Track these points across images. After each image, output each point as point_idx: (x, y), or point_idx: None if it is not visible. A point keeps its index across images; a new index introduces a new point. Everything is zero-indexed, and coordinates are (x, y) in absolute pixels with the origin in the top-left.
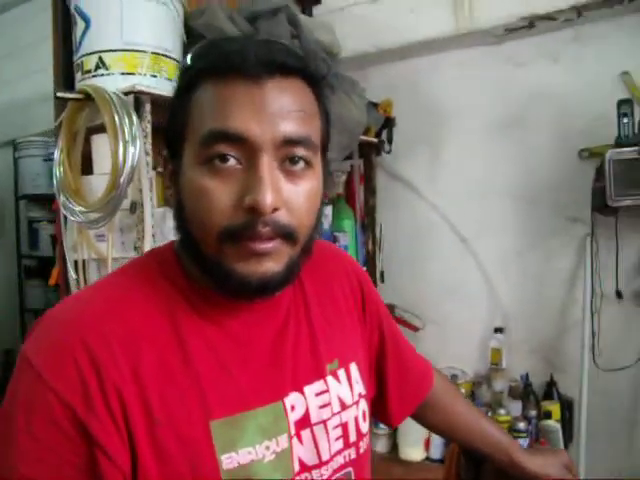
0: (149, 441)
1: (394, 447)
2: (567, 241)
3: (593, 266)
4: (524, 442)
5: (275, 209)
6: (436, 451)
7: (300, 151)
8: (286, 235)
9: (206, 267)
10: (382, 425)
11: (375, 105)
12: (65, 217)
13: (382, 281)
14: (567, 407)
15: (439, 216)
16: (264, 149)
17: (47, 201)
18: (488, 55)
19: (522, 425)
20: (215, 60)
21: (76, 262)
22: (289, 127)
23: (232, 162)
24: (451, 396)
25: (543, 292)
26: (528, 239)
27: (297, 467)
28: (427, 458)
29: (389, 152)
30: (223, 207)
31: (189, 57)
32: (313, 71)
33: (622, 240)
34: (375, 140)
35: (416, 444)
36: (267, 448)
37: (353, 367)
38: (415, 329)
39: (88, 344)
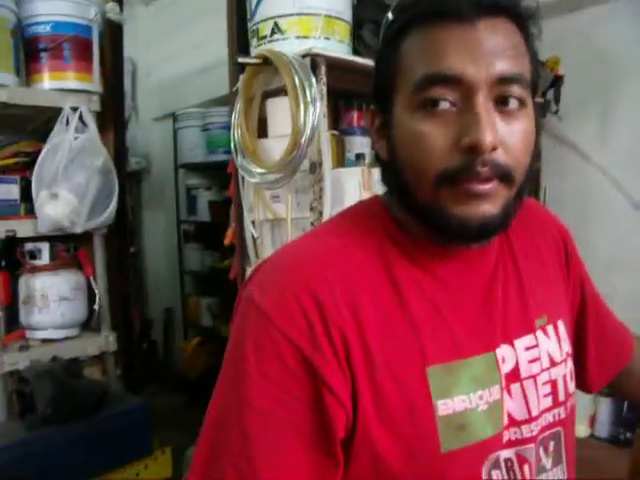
0: (369, 383)
1: None
2: None
3: None
4: None
5: (494, 148)
6: (602, 429)
7: (514, 90)
8: (504, 175)
9: (422, 214)
10: None
11: (542, 63)
12: (243, 178)
13: None
14: None
15: (609, 181)
16: (480, 88)
17: (204, 169)
18: None
19: None
20: (427, 6)
21: (253, 222)
22: (503, 65)
23: (447, 105)
24: None
25: None
26: None
27: (506, 420)
28: (592, 435)
29: (556, 112)
30: (440, 150)
31: (391, 10)
32: (522, 10)
33: None
34: (541, 100)
35: (580, 420)
36: (480, 398)
37: (560, 324)
38: None
39: (312, 288)
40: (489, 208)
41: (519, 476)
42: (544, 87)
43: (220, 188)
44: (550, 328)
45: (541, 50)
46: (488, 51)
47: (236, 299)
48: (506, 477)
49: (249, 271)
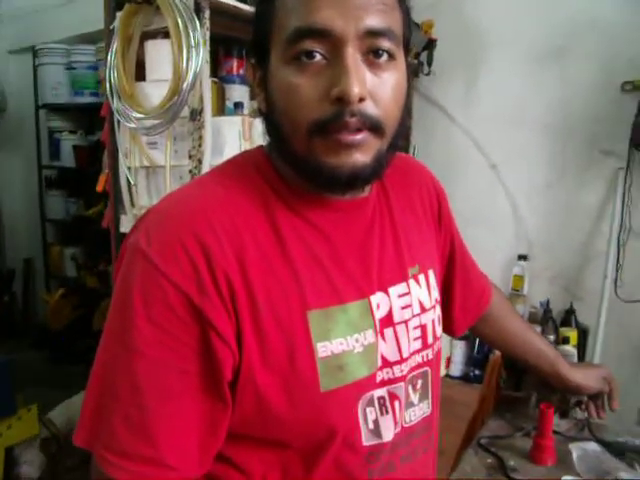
0: (252, 325)
1: None
2: (598, 174)
3: (624, 199)
4: None
5: (361, 99)
6: (456, 368)
7: (384, 43)
8: (373, 126)
9: (297, 164)
10: None
11: (417, 25)
12: (118, 123)
13: None
14: (583, 335)
15: (471, 141)
16: (348, 41)
17: (68, 111)
18: None
19: None
20: None
21: (129, 169)
22: (372, 20)
23: (318, 57)
24: (506, 310)
25: (570, 223)
26: (559, 170)
27: (380, 362)
28: (447, 375)
29: (428, 74)
30: (311, 101)
31: None
32: None
33: None
34: (415, 61)
35: None
36: (357, 341)
37: (431, 273)
38: None
39: (198, 235)
40: (360, 158)
41: (390, 411)
42: (418, 48)
43: (86, 132)
44: (421, 277)
45: (417, 12)
46: (357, 5)
47: (120, 248)
48: (379, 413)
49: (123, 219)
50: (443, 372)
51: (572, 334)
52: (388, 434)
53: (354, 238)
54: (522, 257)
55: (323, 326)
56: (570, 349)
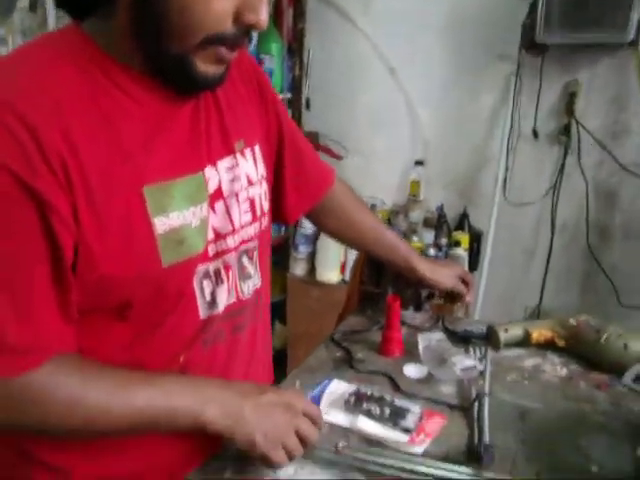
0: (88, 205)
1: (312, 270)
2: (493, 79)
3: (514, 104)
4: None
5: None
6: (348, 273)
7: None
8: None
9: (164, 60)
10: (301, 249)
11: None
12: None
13: (307, 108)
14: (476, 239)
15: (370, 45)
16: None
17: None
18: None
19: (433, 251)
20: None
21: None
22: None
23: None
24: (353, 203)
25: (464, 128)
26: (455, 74)
27: (212, 235)
28: (343, 280)
29: None
30: (220, 15)
31: None
32: None
33: (545, 81)
34: None
35: (333, 267)
36: (193, 214)
37: (257, 149)
38: (339, 158)
39: (22, 116)
40: (224, 69)
41: (225, 281)
42: None
43: None
44: (247, 151)
45: None
46: None
47: None
48: (215, 284)
49: None
50: (339, 278)
51: (464, 238)
52: (222, 304)
53: (182, 115)
54: (419, 162)
55: (159, 201)
56: (461, 252)
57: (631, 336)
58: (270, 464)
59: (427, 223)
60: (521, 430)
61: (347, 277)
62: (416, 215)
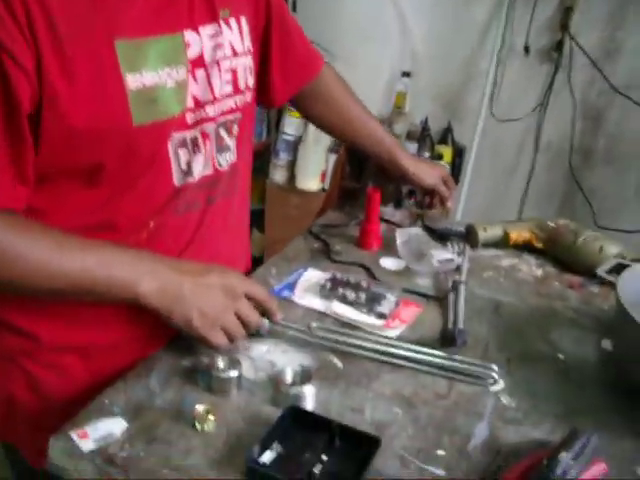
0: (56, 56)
1: (292, 178)
2: None
3: (508, 18)
4: None
5: None
6: (328, 181)
7: None
8: None
9: None
10: (281, 155)
11: None
12: None
13: (294, 10)
14: (459, 153)
15: None
16: None
17: None
18: None
19: None
20: None
21: None
22: None
23: None
24: (341, 90)
25: (455, 40)
26: None
27: (191, 103)
28: (323, 189)
29: None
30: None
31: None
32: None
33: None
34: None
35: (313, 175)
36: (169, 75)
37: (243, 21)
38: None
39: None
40: None
41: (202, 150)
42: None
43: None
44: (233, 21)
45: None
46: None
47: None
48: (191, 152)
49: None
50: (320, 186)
51: (447, 151)
52: (197, 173)
53: None
54: (406, 74)
55: (132, 57)
56: (444, 165)
57: (607, 240)
58: (209, 345)
59: (410, 136)
60: (494, 321)
61: (327, 185)
62: (400, 127)
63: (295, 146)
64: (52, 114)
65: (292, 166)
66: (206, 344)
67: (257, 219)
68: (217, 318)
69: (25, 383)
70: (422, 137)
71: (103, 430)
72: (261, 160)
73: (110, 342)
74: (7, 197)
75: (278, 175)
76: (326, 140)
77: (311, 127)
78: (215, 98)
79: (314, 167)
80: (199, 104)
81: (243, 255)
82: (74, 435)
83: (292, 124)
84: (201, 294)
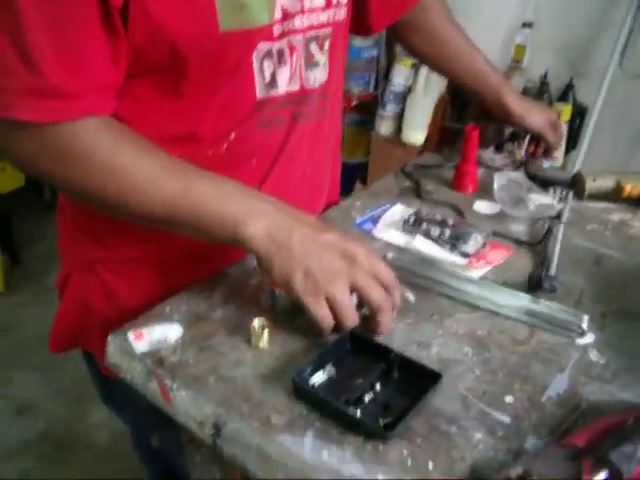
0: None
1: (398, 131)
2: None
3: None
4: None
5: None
6: None
7: None
8: None
9: None
10: (388, 107)
11: None
12: None
13: None
14: (579, 113)
15: None
16: None
17: None
18: None
19: None
20: None
21: None
22: None
23: None
24: (446, 22)
25: None
26: None
27: (279, 14)
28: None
29: None
30: None
31: None
32: None
33: None
34: None
35: (420, 128)
36: None
37: None
38: None
39: None
40: None
41: (288, 63)
42: None
43: None
44: None
45: None
46: None
47: None
48: (277, 64)
49: None
50: (424, 139)
51: (566, 109)
52: (283, 86)
53: None
54: (527, 25)
55: None
56: (555, 110)
57: None
58: (310, 315)
59: (527, 92)
60: (593, 273)
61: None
62: (515, 83)
63: (404, 97)
64: (138, 9)
65: (399, 118)
66: (307, 314)
67: (361, 172)
68: (325, 283)
69: (101, 291)
70: (539, 93)
71: (159, 334)
72: (368, 112)
73: (185, 256)
74: (110, 86)
75: (384, 127)
76: (435, 92)
77: (421, 77)
78: (303, 10)
79: (421, 119)
80: (287, 16)
81: (331, 185)
82: (131, 335)
83: (402, 73)
84: (312, 250)
